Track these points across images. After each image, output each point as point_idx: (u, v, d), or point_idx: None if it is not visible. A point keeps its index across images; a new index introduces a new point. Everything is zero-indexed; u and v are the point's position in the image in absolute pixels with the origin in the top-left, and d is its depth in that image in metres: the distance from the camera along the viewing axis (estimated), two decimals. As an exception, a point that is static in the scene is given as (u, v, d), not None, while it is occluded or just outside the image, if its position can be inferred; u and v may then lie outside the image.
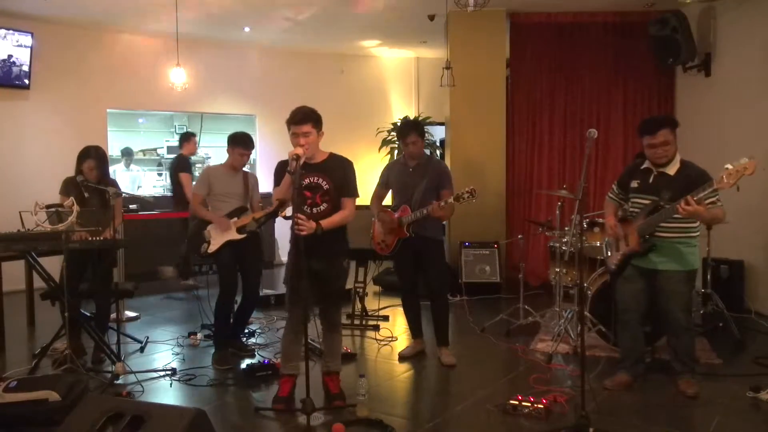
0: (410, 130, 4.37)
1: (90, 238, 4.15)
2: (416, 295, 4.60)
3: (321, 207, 3.51)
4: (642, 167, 3.75)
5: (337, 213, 3.53)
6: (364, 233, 4.85)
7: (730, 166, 3.20)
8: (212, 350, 4.57)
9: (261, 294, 6.40)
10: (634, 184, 3.77)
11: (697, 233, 3.70)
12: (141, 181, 8.95)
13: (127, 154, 8.76)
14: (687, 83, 6.87)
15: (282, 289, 5.54)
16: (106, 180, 4.51)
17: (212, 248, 4.44)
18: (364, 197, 5.12)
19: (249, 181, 4.65)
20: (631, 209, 3.81)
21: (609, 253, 3.98)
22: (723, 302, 4.97)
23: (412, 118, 8.80)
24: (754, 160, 3.17)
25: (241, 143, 4.55)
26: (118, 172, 8.59)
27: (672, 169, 3.63)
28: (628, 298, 3.83)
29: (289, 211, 3.48)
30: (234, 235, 4.45)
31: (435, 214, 4.19)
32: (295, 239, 3.35)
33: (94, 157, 4.44)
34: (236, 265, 4.54)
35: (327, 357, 3.73)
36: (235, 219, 4.50)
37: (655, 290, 3.73)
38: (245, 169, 4.71)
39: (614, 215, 3.91)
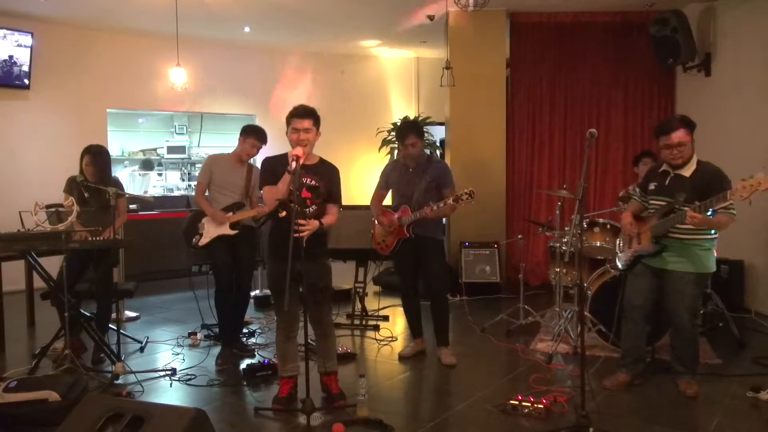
0: (409, 132, 4.35)
1: (90, 238, 4.15)
2: (416, 295, 4.60)
3: (311, 208, 3.51)
4: (660, 170, 3.77)
5: (329, 215, 3.56)
6: (364, 233, 4.85)
7: (745, 180, 3.16)
8: (213, 350, 4.58)
9: (261, 294, 6.43)
10: (652, 186, 3.79)
11: (712, 236, 3.65)
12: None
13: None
14: (687, 83, 6.87)
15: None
16: (107, 180, 4.50)
17: (203, 241, 4.44)
18: (364, 197, 5.13)
19: (252, 175, 4.57)
20: (649, 210, 3.83)
21: (620, 250, 4.01)
22: (723, 302, 4.96)
23: (412, 118, 8.80)
24: None
25: (254, 134, 4.51)
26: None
27: (688, 171, 3.62)
28: (635, 295, 3.83)
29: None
30: (226, 231, 4.41)
31: (429, 217, 4.21)
32: (281, 242, 3.27)
33: (92, 154, 4.43)
34: (230, 261, 4.50)
35: (323, 358, 3.72)
36: (230, 214, 4.45)
37: (663, 289, 3.74)
38: (251, 162, 4.65)
39: (632, 213, 3.91)
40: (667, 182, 3.69)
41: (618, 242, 4.09)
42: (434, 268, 4.41)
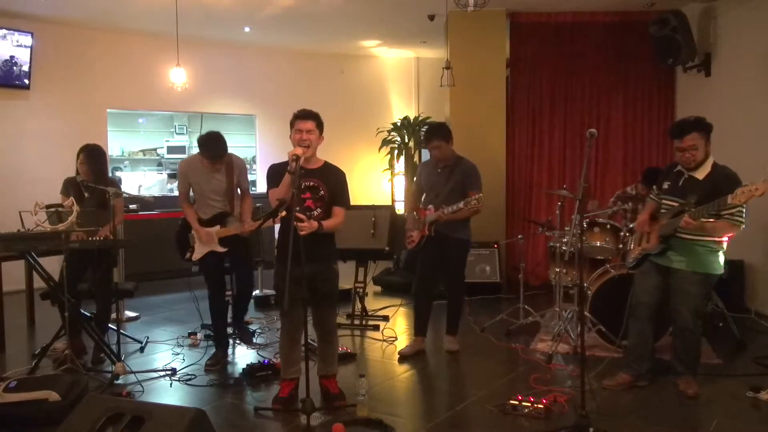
0: (432, 135, 4.45)
1: (88, 238, 4.14)
2: (431, 295, 4.63)
3: (315, 212, 3.50)
4: (675, 169, 3.78)
5: (332, 218, 3.54)
6: (364, 233, 4.85)
7: (744, 186, 3.21)
8: (212, 350, 4.57)
9: (261, 294, 6.41)
10: (665, 185, 3.81)
11: (718, 238, 3.64)
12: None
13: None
14: (687, 83, 6.87)
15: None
16: (104, 179, 4.49)
17: (195, 256, 4.37)
18: (364, 197, 5.12)
19: (233, 170, 4.35)
20: (661, 210, 3.84)
21: (630, 248, 4.06)
22: (723, 302, 4.96)
23: (412, 118, 8.81)
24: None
25: (205, 150, 4.19)
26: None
27: (701, 174, 3.62)
28: (642, 292, 3.85)
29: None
30: (216, 248, 4.30)
31: (441, 220, 4.29)
32: (285, 243, 3.25)
33: (86, 153, 4.43)
34: (222, 266, 4.46)
35: (323, 361, 3.71)
36: (218, 227, 4.33)
37: (668, 288, 3.75)
38: (231, 151, 4.39)
39: (649, 212, 3.92)
40: (680, 183, 3.71)
41: (629, 241, 4.13)
42: (452, 267, 4.53)
